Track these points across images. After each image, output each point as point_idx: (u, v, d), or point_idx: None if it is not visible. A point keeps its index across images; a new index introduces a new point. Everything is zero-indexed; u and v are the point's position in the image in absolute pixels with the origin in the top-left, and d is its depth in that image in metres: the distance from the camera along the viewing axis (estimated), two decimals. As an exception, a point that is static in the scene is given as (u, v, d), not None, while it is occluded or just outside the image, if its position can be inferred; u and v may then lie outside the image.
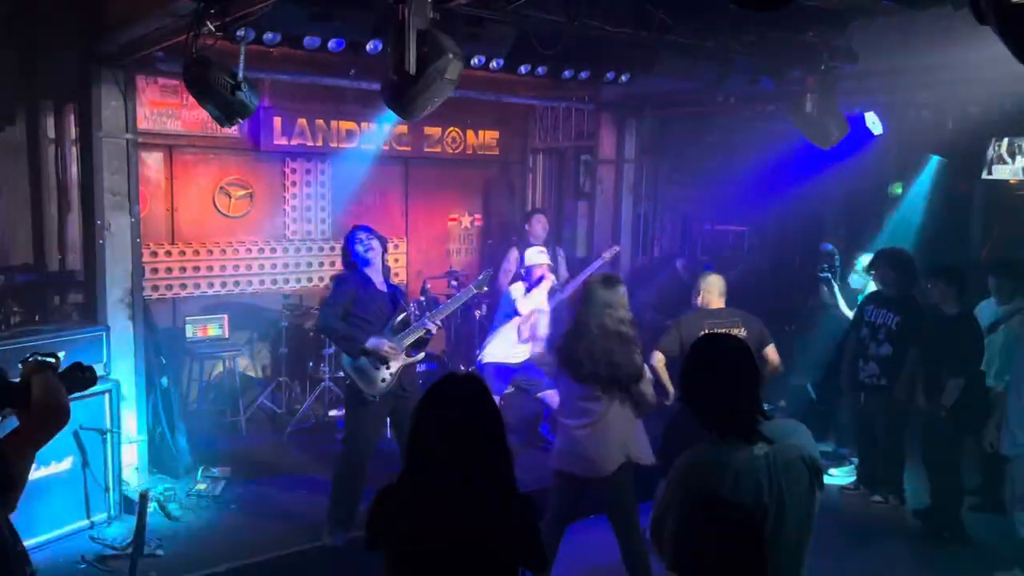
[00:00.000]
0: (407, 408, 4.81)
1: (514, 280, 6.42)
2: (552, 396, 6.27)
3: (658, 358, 4.74)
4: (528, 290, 6.05)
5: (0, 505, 2.17)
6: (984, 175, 6.39)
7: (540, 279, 6.04)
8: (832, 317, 6.44)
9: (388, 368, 4.78)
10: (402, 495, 2.19)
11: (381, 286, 4.93)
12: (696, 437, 2.42)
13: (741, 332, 4.79)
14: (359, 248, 4.88)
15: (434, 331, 5.12)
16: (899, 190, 8.24)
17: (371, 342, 4.72)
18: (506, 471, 2.21)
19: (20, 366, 2.32)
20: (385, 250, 7.23)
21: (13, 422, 2.27)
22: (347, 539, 4.63)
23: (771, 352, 4.79)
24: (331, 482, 4.85)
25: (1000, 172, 6.36)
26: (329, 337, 5.20)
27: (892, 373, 5.44)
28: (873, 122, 6.16)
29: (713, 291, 4.91)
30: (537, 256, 6.14)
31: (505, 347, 6.10)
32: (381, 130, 7.47)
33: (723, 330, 4.74)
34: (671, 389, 4.68)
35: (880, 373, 5.49)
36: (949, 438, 5.18)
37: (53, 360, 2.34)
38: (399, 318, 4.93)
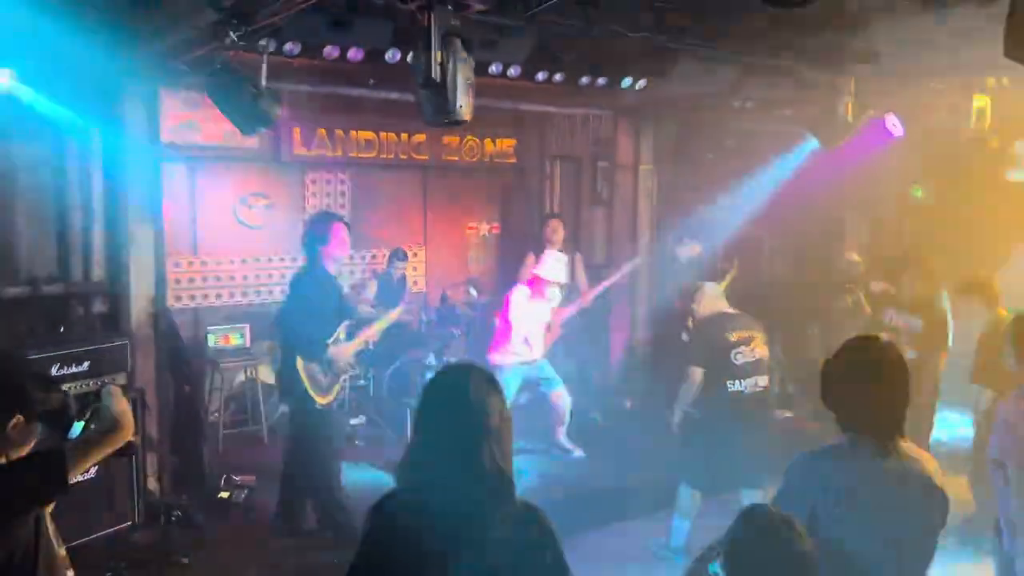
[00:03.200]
0: None
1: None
2: (561, 398, 6.25)
3: (697, 375, 4.73)
4: (531, 297, 6.04)
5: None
6: (1008, 176, 6.33)
7: (541, 292, 6.02)
8: None
9: (338, 377, 4.77)
10: (395, 502, 2.02)
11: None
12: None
13: (760, 334, 4.80)
14: (337, 243, 4.71)
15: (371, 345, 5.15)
16: (920, 193, 8.18)
17: (333, 350, 4.68)
18: (501, 471, 1.95)
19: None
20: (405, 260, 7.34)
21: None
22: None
23: None
24: (321, 507, 4.81)
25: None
26: (294, 344, 4.67)
27: (915, 378, 5.39)
28: (893, 124, 6.11)
29: (716, 297, 4.96)
30: (551, 270, 6.04)
31: (513, 345, 6.08)
32: (400, 139, 7.52)
33: (746, 333, 4.74)
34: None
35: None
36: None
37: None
38: (345, 325, 4.86)
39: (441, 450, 1.96)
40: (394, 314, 5.52)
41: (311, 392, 4.64)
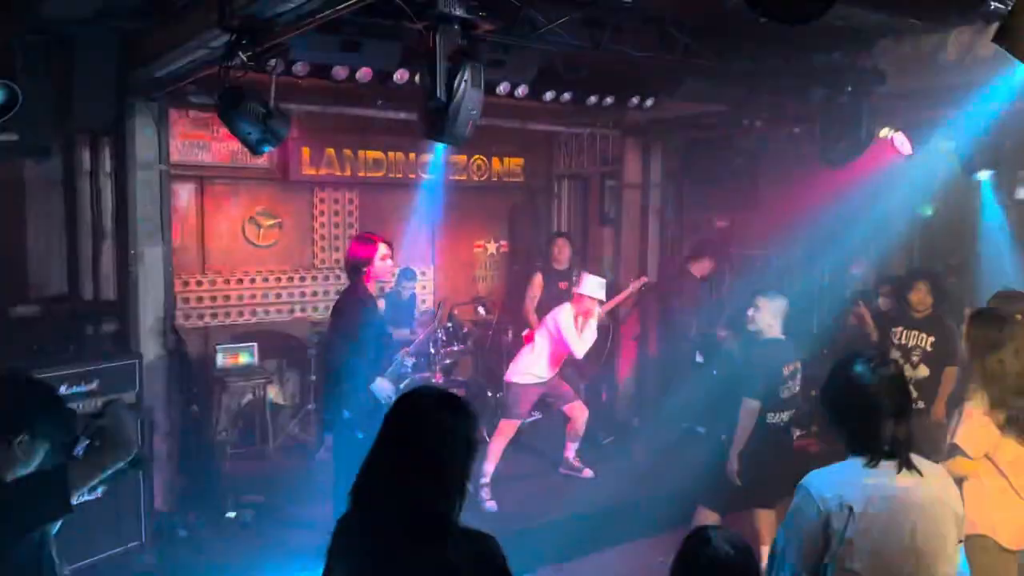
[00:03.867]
0: None
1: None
2: (577, 409, 6.21)
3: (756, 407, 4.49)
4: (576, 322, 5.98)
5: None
6: (1019, 195, 6.30)
7: (586, 309, 5.95)
8: None
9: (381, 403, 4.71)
10: (348, 524, 2.03)
11: None
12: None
13: (801, 363, 4.70)
14: (381, 264, 4.72)
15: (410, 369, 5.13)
16: (929, 211, 8.14)
17: (376, 385, 4.64)
18: (450, 500, 1.94)
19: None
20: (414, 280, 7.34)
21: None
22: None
23: None
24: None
25: (1035, 193, 6.28)
26: (344, 373, 4.63)
27: (930, 395, 5.35)
28: (902, 143, 6.10)
29: (775, 315, 4.61)
30: (592, 287, 5.98)
31: (534, 365, 6.05)
32: (407, 159, 7.56)
33: (793, 366, 4.61)
34: None
35: (918, 396, 5.39)
36: None
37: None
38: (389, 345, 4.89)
39: (394, 472, 1.94)
40: (429, 332, 5.53)
41: (356, 420, 4.62)
